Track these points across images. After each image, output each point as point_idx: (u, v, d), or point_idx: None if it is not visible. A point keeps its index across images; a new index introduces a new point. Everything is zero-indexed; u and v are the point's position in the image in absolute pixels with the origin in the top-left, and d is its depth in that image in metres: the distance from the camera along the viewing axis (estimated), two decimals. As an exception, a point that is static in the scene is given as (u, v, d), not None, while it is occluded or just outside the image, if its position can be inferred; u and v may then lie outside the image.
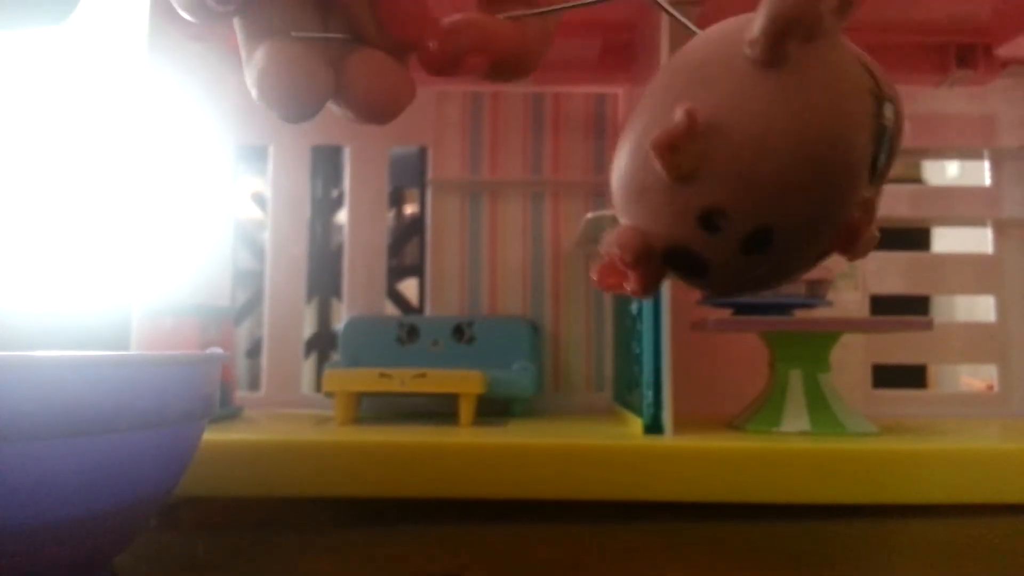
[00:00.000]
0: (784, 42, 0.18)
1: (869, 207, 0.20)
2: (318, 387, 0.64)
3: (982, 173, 0.78)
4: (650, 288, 0.21)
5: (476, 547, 0.42)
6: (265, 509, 0.50)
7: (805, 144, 0.18)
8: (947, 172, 1.53)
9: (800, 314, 0.60)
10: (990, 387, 0.77)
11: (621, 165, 0.21)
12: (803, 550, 0.42)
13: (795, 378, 0.57)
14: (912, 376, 0.83)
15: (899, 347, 0.75)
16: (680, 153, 0.19)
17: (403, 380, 0.58)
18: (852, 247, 0.21)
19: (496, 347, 0.69)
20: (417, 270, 1.28)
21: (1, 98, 0.83)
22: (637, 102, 0.22)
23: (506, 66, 0.22)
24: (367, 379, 0.59)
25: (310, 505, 0.50)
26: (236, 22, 0.22)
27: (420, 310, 1.12)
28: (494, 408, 0.64)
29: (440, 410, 0.63)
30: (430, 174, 0.76)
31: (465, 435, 0.52)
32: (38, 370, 0.27)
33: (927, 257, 0.80)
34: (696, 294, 0.63)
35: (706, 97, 0.19)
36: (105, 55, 0.86)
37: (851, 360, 0.72)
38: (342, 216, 0.88)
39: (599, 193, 0.75)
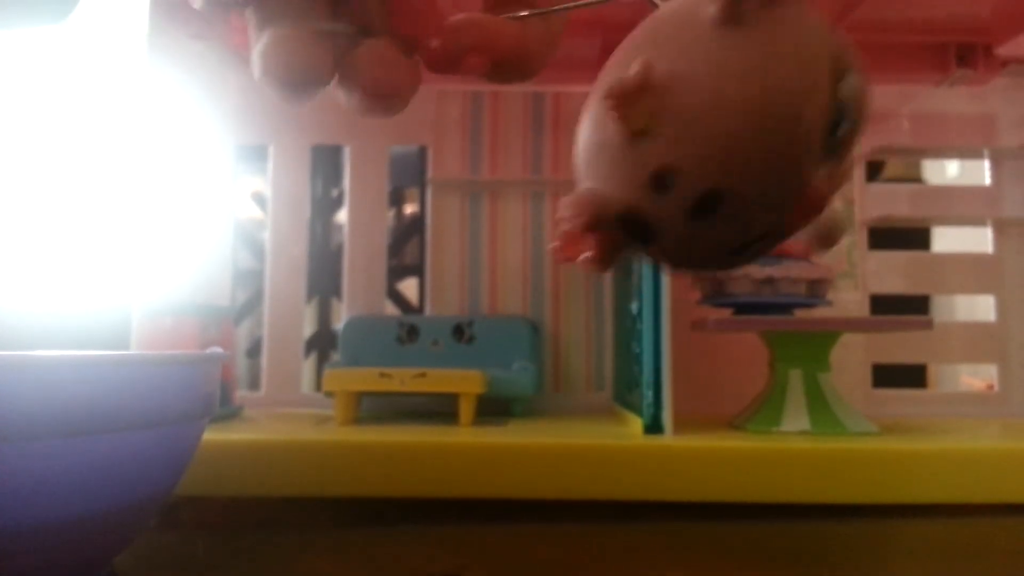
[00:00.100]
0: (739, 2, 0.18)
1: (830, 180, 0.20)
2: (318, 387, 0.64)
3: (982, 172, 0.78)
4: (607, 257, 0.21)
5: (476, 547, 0.42)
6: (265, 509, 0.50)
7: (755, 104, 0.18)
8: (947, 171, 1.53)
9: (800, 314, 0.60)
10: (990, 387, 0.77)
11: (582, 127, 0.21)
12: (803, 550, 0.42)
13: (795, 378, 0.57)
14: (912, 376, 0.83)
15: (899, 347, 0.75)
16: (634, 107, 0.18)
17: (403, 380, 0.58)
18: (809, 221, 0.20)
19: (496, 347, 0.69)
20: (417, 270, 1.28)
21: (1, 97, 0.83)
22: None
23: (507, 67, 0.23)
24: (367, 379, 0.59)
25: (310, 505, 0.50)
26: (248, 12, 0.23)
27: (420, 310, 1.12)
28: (494, 408, 0.64)
29: (440, 410, 0.63)
30: (430, 173, 0.76)
31: (465, 435, 0.52)
32: (38, 370, 0.27)
33: (927, 257, 0.80)
34: (696, 294, 0.63)
35: (664, 53, 0.19)
36: (105, 54, 0.86)
37: (851, 360, 0.72)
38: (342, 216, 0.88)
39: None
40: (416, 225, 1.40)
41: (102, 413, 0.29)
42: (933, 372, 1.20)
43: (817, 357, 0.57)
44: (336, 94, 0.23)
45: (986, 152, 0.77)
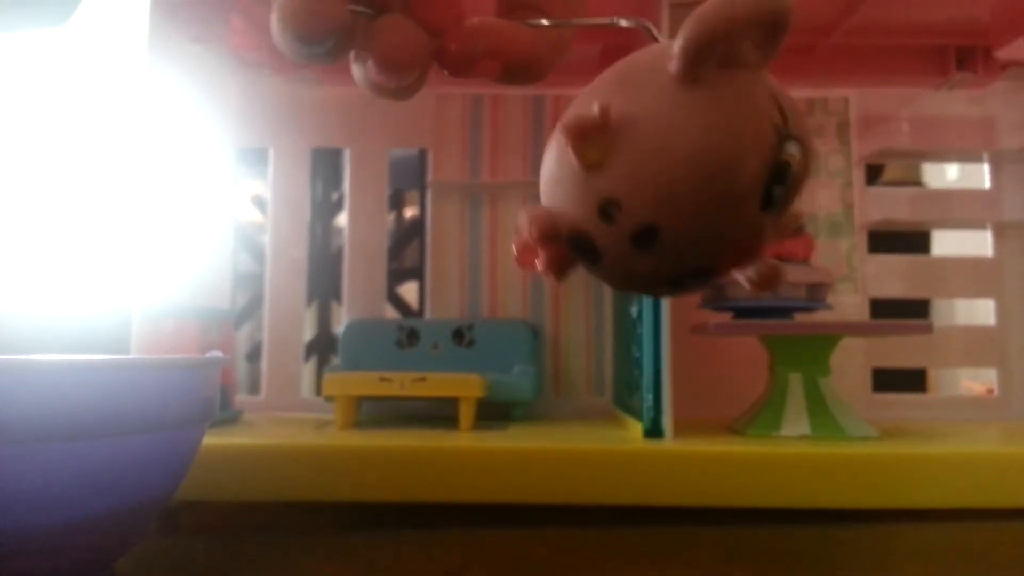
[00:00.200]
0: (698, 62, 0.19)
1: (766, 235, 0.21)
2: (318, 391, 0.64)
3: (982, 176, 0.78)
4: (557, 268, 0.23)
5: (476, 551, 0.42)
6: (265, 513, 0.50)
7: (697, 156, 0.20)
8: (947, 175, 1.54)
9: (800, 317, 0.60)
10: (990, 391, 0.77)
11: (547, 153, 0.23)
12: (803, 554, 0.42)
13: (795, 382, 0.57)
14: (912, 380, 0.83)
15: (899, 351, 0.75)
16: (589, 142, 0.20)
17: (403, 384, 0.58)
18: (742, 265, 0.22)
19: (496, 350, 0.69)
20: (417, 273, 1.28)
21: (2, 101, 0.83)
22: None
23: (517, 72, 0.23)
24: (367, 383, 0.59)
25: (310, 509, 0.50)
26: None
27: (420, 313, 1.12)
28: (494, 412, 0.64)
29: (440, 414, 0.63)
30: (430, 176, 0.76)
31: (465, 439, 0.52)
32: (38, 374, 0.27)
33: (927, 260, 0.80)
34: (696, 298, 0.63)
35: (624, 99, 0.21)
36: (105, 57, 0.86)
37: (851, 364, 0.72)
38: (342, 219, 0.88)
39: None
40: (416, 228, 1.40)
41: (102, 417, 0.29)
42: (933, 376, 1.20)
43: (817, 361, 0.57)
44: (352, 68, 0.23)
45: (986, 155, 0.77)
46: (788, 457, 0.48)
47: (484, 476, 0.48)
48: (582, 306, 0.74)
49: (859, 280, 0.73)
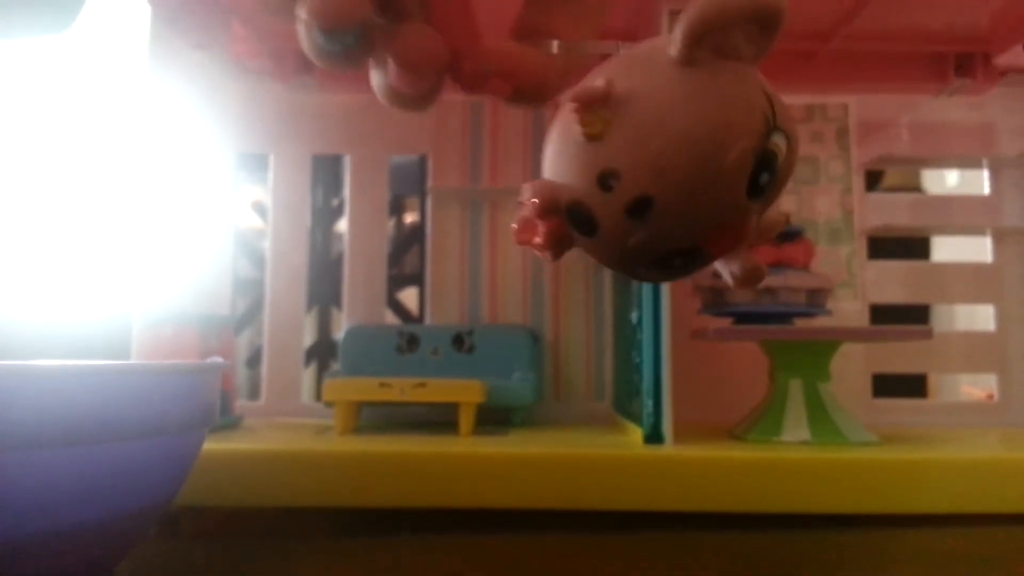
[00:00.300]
0: (696, 46, 0.21)
1: (751, 222, 0.23)
2: (318, 396, 0.64)
3: (981, 182, 0.78)
4: (555, 243, 0.24)
5: (476, 556, 0.42)
6: (265, 519, 0.50)
7: (690, 132, 0.21)
8: (946, 181, 1.54)
9: (800, 323, 0.60)
10: (990, 396, 0.77)
11: (551, 132, 0.24)
12: (803, 560, 0.42)
13: (795, 387, 0.57)
14: (912, 385, 0.83)
15: (899, 356, 0.75)
16: (593, 113, 0.22)
17: (403, 389, 0.58)
18: (727, 250, 0.23)
19: (496, 356, 0.69)
20: (417, 279, 1.28)
21: (2, 107, 0.84)
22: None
23: (526, 94, 0.25)
24: (367, 388, 0.59)
25: (310, 515, 0.50)
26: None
27: (420, 319, 1.12)
28: (494, 417, 0.64)
29: (440, 419, 0.63)
30: (430, 182, 0.76)
31: (465, 444, 0.52)
32: (38, 379, 0.27)
33: (927, 266, 0.80)
34: (696, 303, 0.63)
35: (629, 76, 0.22)
36: (106, 64, 0.87)
37: (851, 369, 0.72)
38: (342, 225, 0.88)
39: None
40: (416, 234, 1.40)
41: (102, 422, 0.29)
42: (933, 382, 1.20)
43: (817, 366, 0.57)
44: (371, 76, 0.24)
45: (985, 161, 0.77)
46: (788, 463, 0.48)
47: (484, 481, 0.48)
48: (582, 311, 0.74)
49: (859, 286, 0.73)
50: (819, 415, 0.56)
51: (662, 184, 0.21)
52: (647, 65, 0.23)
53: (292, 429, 0.61)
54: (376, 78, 0.25)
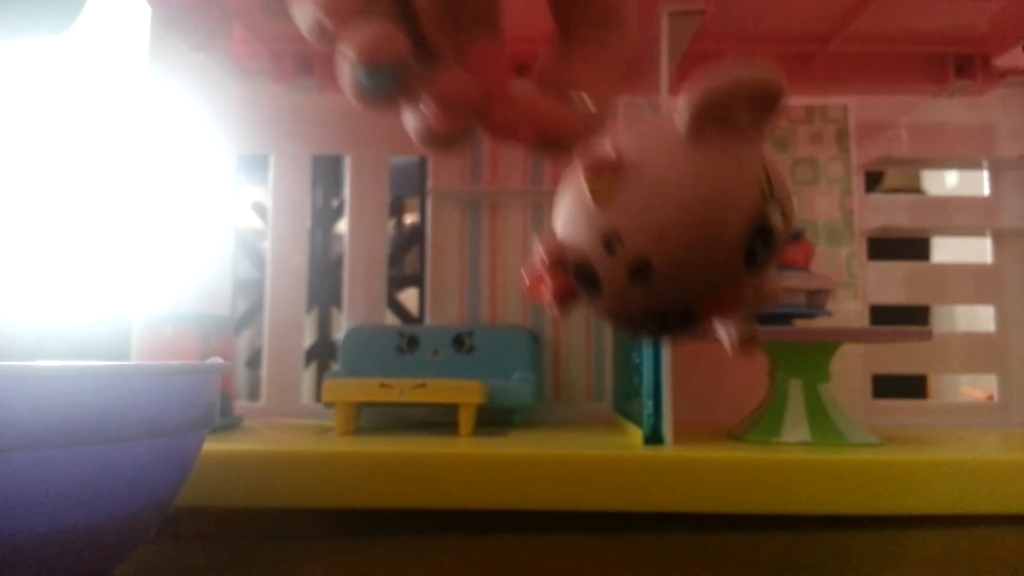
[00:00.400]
0: (700, 119, 0.22)
1: (745, 290, 0.24)
2: (318, 397, 0.64)
3: (981, 183, 0.78)
4: (562, 299, 0.25)
5: (476, 557, 0.42)
6: (265, 519, 0.50)
7: (690, 202, 0.22)
8: (946, 182, 1.54)
9: (800, 324, 0.60)
10: (990, 397, 0.77)
11: (562, 192, 0.26)
12: (803, 561, 0.42)
13: (795, 388, 0.57)
14: (912, 386, 0.83)
15: (899, 357, 0.75)
16: (602, 178, 0.23)
17: (403, 390, 0.58)
18: (722, 313, 0.24)
19: (496, 357, 0.69)
20: (417, 280, 1.28)
21: (3, 108, 0.84)
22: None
23: (552, 143, 0.25)
24: (367, 389, 0.59)
25: (310, 515, 0.50)
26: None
27: (420, 320, 1.12)
28: (494, 418, 0.64)
29: (440, 420, 0.63)
30: (430, 184, 0.77)
31: (465, 445, 0.52)
32: (39, 380, 0.27)
33: (927, 267, 0.80)
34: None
35: (636, 147, 0.24)
36: (107, 65, 0.87)
37: (851, 370, 0.72)
38: (342, 226, 0.88)
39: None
40: (416, 235, 1.40)
41: (102, 423, 0.29)
42: (933, 382, 1.20)
43: (817, 367, 0.57)
44: (404, 118, 0.25)
45: (985, 162, 0.77)
46: (788, 463, 0.48)
47: (484, 482, 0.48)
48: (582, 312, 0.74)
49: (859, 287, 0.73)
50: (819, 416, 0.56)
51: (662, 250, 0.23)
52: (655, 136, 0.24)
53: (292, 430, 0.61)
54: (410, 120, 0.25)
